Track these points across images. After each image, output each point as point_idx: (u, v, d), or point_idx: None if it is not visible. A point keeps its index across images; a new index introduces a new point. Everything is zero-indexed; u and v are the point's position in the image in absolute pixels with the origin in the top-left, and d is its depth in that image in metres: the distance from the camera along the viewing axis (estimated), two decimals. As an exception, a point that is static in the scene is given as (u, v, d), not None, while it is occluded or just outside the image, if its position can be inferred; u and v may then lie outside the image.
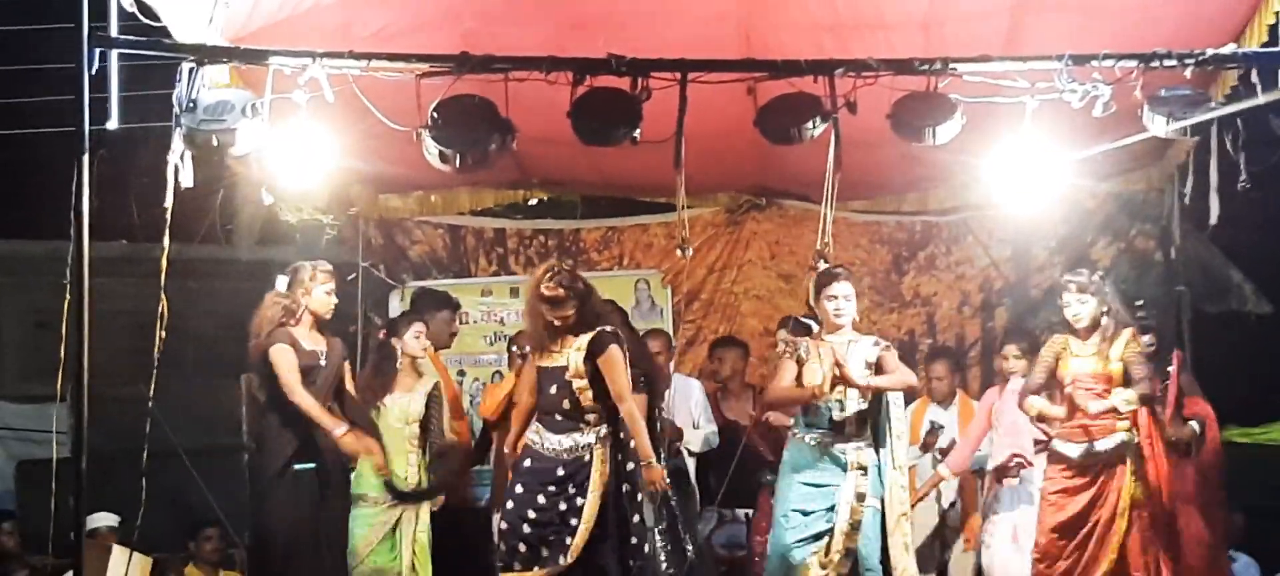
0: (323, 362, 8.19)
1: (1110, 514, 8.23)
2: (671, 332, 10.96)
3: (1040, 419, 8.48)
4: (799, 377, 8.13)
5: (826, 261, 7.97)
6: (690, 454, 9.90)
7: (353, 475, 8.56)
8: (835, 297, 8.12)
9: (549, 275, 7.78)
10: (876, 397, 8.11)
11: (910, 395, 8.80)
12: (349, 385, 8.44)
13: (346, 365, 8.47)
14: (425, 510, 8.81)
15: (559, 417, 7.78)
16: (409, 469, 8.79)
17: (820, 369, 8.04)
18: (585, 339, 7.75)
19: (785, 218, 11.31)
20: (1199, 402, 9.08)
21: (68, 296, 7.13)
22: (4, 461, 11.97)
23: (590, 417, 7.74)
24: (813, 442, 8.11)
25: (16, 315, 12.19)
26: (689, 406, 10.03)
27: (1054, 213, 10.13)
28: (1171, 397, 8.95)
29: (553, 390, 7.79)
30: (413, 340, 8.98)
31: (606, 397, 7.71)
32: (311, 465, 8.14)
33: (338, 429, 8.04)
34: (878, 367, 8.09)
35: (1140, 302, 9.33)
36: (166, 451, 8.97)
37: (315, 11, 7.63)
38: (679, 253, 8.14)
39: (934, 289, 11.41)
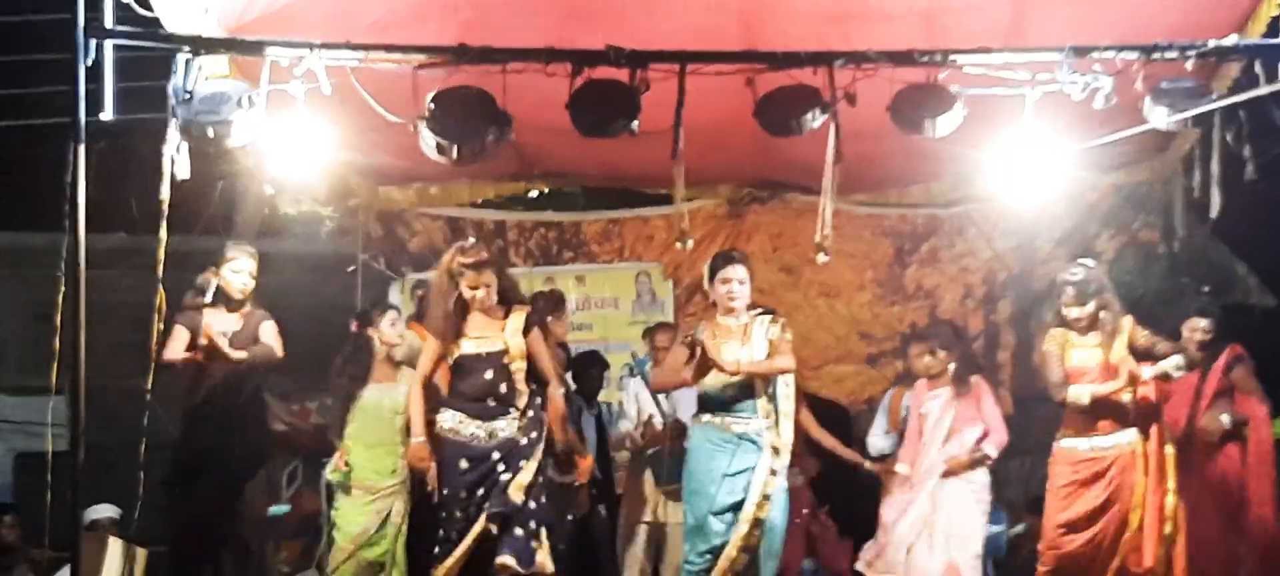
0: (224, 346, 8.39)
1: (1123, 511, 8.25)
2: (675, 326, 10.95)
3: (1095, 400, 8.41)
4: (689, 361, 8.13)
5: (826, 254, 7.93)
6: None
7: (337, 467, 8.63)
8: (728, 281, 8.10)
9: (462, 248, 7.87)
10: (765, 379, 8.05)
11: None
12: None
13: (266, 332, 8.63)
14: (405, 498, 8.82)
15: (492, 403, 7.79)
16: (397, 460, 8.75)
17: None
18: (518, 319, 7.82)
19: (787, 210, 11.28)
20: (1251, 402, 9.04)
21: (64, 288, 7.13)
22: (3, 454, 11.97)
23: (521, 402, 7.78)
24: (717, 423, 8.09)
25: (15, 307, 12.19)
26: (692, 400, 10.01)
27: (1057, 205, 10.13)
28: (1209, 389, 8.91)
29: (488, 375, 7.79)
30: (389, 328, 8.93)
31: (536, 379, 7.81)
32: (286, 508, 8.33)
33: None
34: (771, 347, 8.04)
35: (1207, 288, 9.35)
36: (166, 444, 8.95)
37: (311, 2, 7.60)
38: (678, 244, 8.12)
39: (937, 281, 11.39)
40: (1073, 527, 8.35)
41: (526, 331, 7.84)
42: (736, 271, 8.13)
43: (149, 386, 7.55)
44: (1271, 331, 10.89)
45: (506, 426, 7.76)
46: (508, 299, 7.94)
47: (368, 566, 8.69)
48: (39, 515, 8.21)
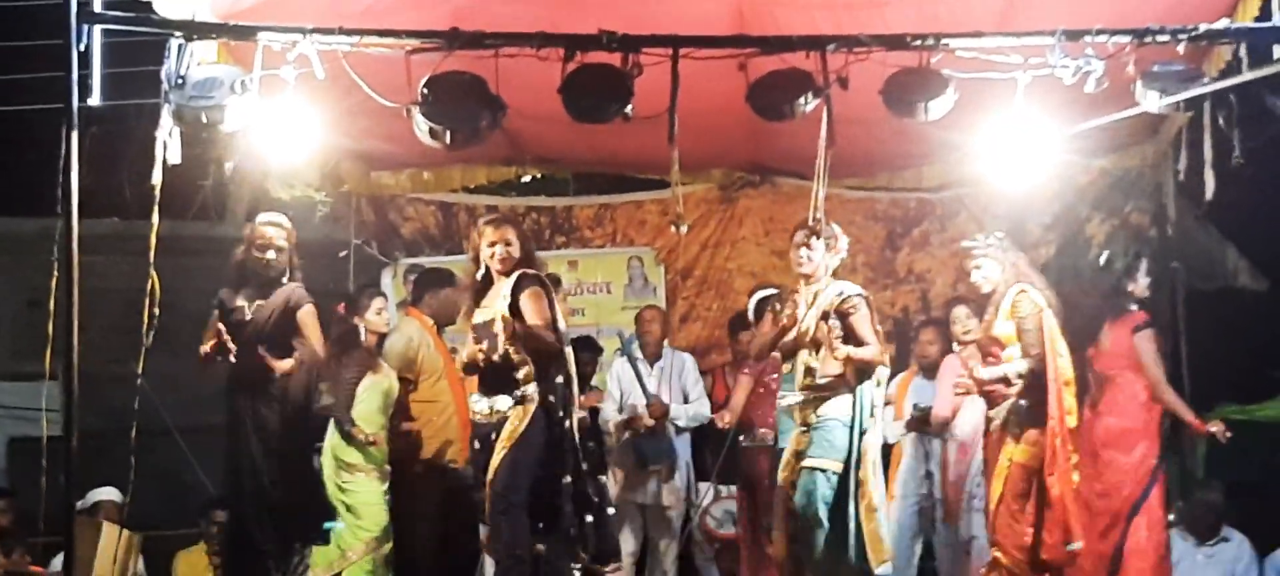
0: (248, 316, 8.10)
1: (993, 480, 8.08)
2: (665, 309, 10.98)
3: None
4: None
5: (818, 237, 7.93)
6: (677, 430, 9.91)
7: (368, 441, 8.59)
8: (798, 246, 8.02)
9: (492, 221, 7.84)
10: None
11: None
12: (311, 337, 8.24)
13: (303, 317, 8.22)
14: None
15: (489, 377, 7.69)
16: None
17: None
18: (508, 285, 7.66)
19: (779, 194, 11.29)
20: None
21: (57, 274, 7.14)
22: (-3, 441, 12.00)
23: (519, 375, 7.58)
24: (785, 406, 8.14)
25: (8, 293, 12.17)
26: (681, 381, 10.03)
27: (1048, 189, 10.14)
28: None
29: (485, 345, 7.68)
30: (375, 316, 8.91)
31: (536, 355, 7.59)
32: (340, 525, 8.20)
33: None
34: (842, 317, 7.85)
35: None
36: (160, 429, 8.96)
37: (305, -14, 7.61)
38: (674, 228, 8.12)
39: (928, 265, 11.41)
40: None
41: (522, 290, 7.63)
42: (803, 236, 8.03)
43: (140, 371, 7.55)
44: (1262, 315, 10.96)
45: (505, 403, 7.62)
46: (526, 263, 7.79)
47: (383, 564, 8.69)
48: (33, 500, 8.24)
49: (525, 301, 7.60)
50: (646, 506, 9.94)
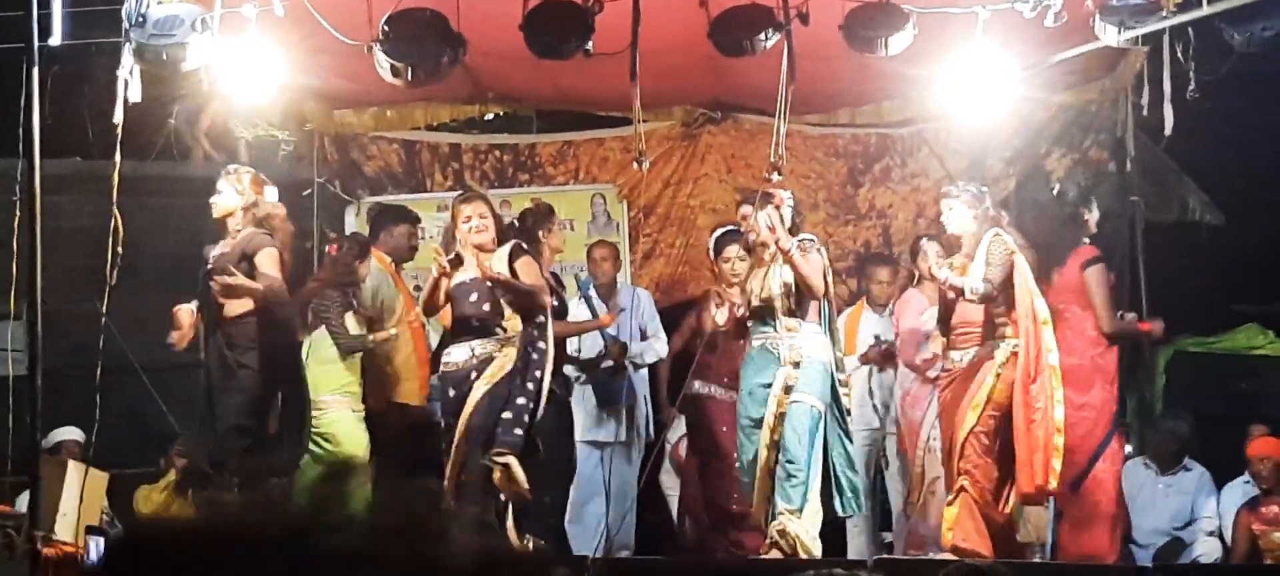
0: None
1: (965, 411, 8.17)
2: (628, 246, 11.01)
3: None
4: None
5: (780, 174, 7.97)
6: (635, 367, 9.92)
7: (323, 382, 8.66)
8: (743, 216, 8.24)
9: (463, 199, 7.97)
10: (790, 293, 8.00)
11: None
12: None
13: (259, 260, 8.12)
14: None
15: (475, 324, 7.83)
16: (358, 390, 8.89)
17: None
18: (505, 249, 7.85)
19: (741, 131, 11.29)
20: None
21: (19, 214, 7.15)
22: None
23: (506, 325, 7.80)
24: (757, 344, 8.14)
25: (-31, 233, 12.14)
26: (638, 317, 10.03)
27: (1008, 125, 10.15)
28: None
29: (472, 298, 7.84)
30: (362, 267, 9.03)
31: (520, 310, 7.79)
32: None
33: None
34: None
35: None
36: (125, 367, 8.96)
37: (265, -75, 7.58)
38: (635, 165, 8.13)
39: (889, 201, 11.42)
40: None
41: (514, 258, 7.83)
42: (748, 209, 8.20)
43: (104, 310, 7.56)
44: (1219, 249, 11.02)
45: (486, 349, 7.79)
46: (507, 235, 7.98)
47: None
48: (-2, 439, 8.26)
49: (521, 267, 7.82)
50: (607, 444, 9.95)
